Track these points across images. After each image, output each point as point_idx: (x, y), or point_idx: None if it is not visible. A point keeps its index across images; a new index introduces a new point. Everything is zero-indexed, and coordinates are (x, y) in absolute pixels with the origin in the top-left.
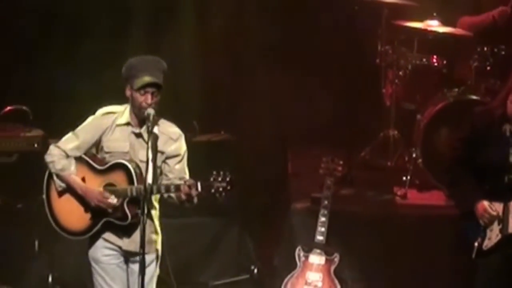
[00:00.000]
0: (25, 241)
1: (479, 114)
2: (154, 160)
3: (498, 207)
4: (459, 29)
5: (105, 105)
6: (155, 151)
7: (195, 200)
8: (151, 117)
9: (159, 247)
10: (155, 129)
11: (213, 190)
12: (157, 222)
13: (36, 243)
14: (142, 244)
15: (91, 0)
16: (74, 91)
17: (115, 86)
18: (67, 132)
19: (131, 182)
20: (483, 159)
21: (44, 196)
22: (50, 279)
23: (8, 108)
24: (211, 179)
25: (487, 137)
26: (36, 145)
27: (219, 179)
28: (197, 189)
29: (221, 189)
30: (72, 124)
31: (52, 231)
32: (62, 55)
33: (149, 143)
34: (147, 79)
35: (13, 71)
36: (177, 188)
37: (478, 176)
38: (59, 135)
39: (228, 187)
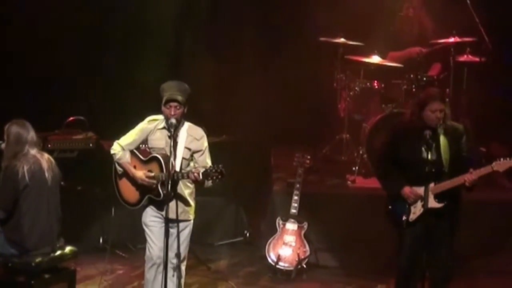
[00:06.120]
0: (82, 213)
1: (397, 125)
2: (172, 154)
3: (418, 189)
4: (390, 61)
5: (143, 117)
6: (175, 148)
7: (207, 183)
8: (173, 125)
9: (191, 215)
10: (185, 131)
11: (209, 177)
12: (189, 198)
13: (113, 209)
14: (166, 212)
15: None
16: (122, 106)
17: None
18: (113, 136)
19: (161, 170)
20: (403, 156)
21: (113, 178)
22: (101, 240)
23: (71, 118)
24: (209, 170)
25: (405, 140)
26: (91, 145)
27: (214, 170)
28: (199, 175)
29: (215, 177)
30: (118, 129)
31: (103, 206)
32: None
33: (172, 143)
34: (169, 97)
35: (75, 92)
36: (188, 174)
37: (400, 168)
38: (108, 137)
39: (220, 176)
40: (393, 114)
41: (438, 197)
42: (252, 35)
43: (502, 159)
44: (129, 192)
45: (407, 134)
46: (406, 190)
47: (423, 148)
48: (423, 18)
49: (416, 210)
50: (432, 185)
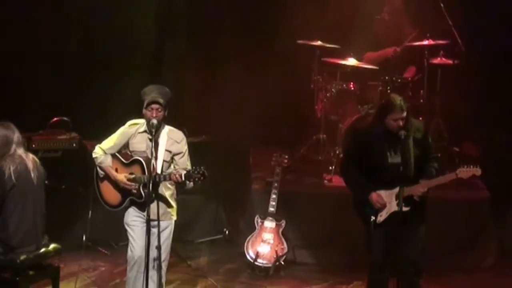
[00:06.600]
0: (66, 212)
1: (359, 130)
2: (154, 156)
3: (384, 195)
4: (367, 62)
5: (125, 118)
6: (156, 149)
7: (189, 184)
8: (154, 125)
9: (173, 216)
10: (165, 135)
11: (191, 179)
12: (170, 199)
13: (90, 212)
14: (148, 213)
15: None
16: (105, 107)
17: (131, 106)
18: (96, 136)
19: (143, 172)
20: (368, 160)
21: (95, 181)
22: (84, 238)
23: (55, 119)
24: (191, 171)
25: (369, 145)
26: (74, 145)
27: (196, 171)
28: (181, 177)
29: (197, 178)
30: (100, 129)
31: (86, 205)
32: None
33: (153, 144)
34: (150, 99)
35: (61, 93)
36: (170, 176)
37: (366, 172)
38: (91, 138)
39: (202, 177)
40: (368, 115)
41: (405, 200)
42: (230, 37)
43: (466, 167)
44: (110, 194)
45: (371, 139)
46: (373, 196)
47: (388, 152)
48: (401, 23)
49: (383, 213)
50: (404, 188)
